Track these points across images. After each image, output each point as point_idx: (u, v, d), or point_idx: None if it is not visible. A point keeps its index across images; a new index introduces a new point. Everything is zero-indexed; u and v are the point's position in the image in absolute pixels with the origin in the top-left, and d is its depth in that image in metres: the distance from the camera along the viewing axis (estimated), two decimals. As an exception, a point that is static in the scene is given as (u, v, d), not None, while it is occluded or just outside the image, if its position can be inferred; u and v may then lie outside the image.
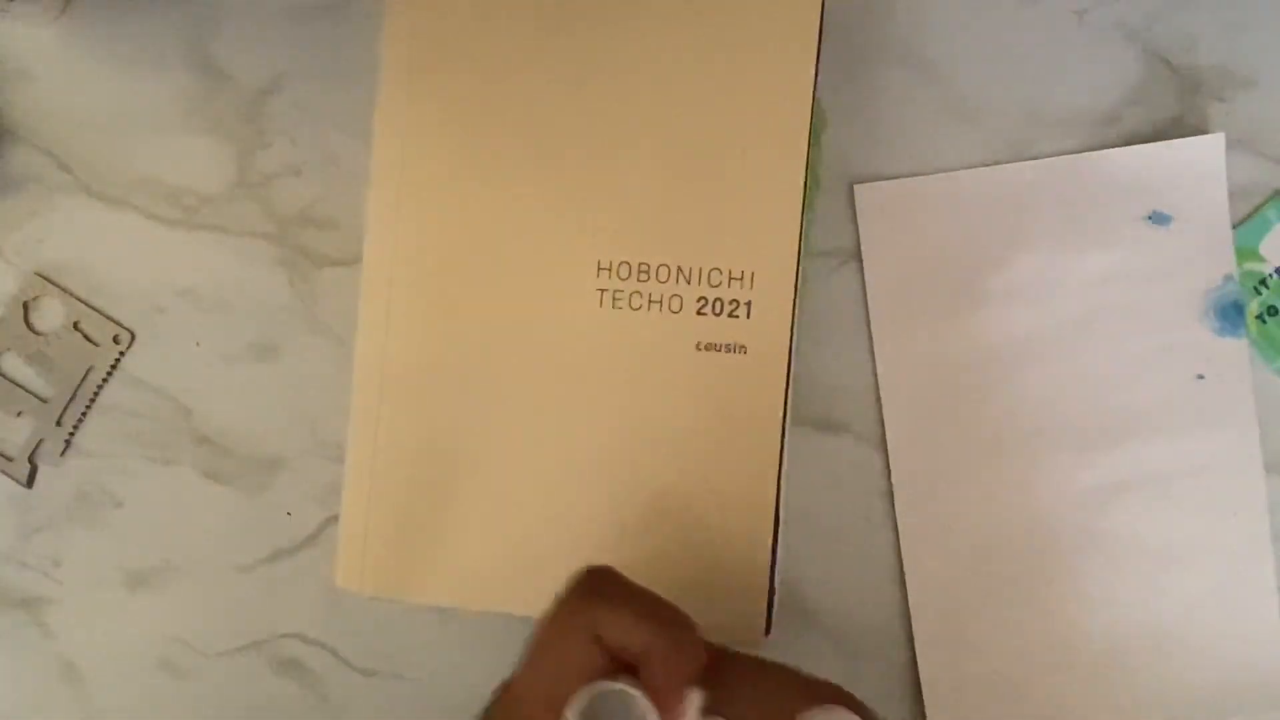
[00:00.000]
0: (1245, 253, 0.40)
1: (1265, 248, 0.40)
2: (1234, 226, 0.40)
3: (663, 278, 0.37)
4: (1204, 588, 0.40)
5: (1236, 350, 0.40)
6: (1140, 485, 0.40)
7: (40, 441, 0.43)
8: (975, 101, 0.40)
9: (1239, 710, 0.40)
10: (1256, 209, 0.40)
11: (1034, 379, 0.40)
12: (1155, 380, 0.40)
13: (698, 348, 0.37)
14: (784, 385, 0.37)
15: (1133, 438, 0.40)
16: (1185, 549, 0.40)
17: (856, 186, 0.40)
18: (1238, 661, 0.40)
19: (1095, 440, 0.40)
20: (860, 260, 0.41)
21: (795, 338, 0.37)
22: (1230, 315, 0.39)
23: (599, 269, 0.38)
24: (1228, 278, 0.39)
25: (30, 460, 0.43)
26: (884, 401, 0.41)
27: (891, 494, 0.41)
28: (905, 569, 0.40)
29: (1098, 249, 0.40)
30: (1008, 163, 0.40)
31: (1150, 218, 0.39)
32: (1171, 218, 0.39)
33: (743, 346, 0.37)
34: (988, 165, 0.40)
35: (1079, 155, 0.40)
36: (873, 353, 0.41)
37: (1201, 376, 0.40)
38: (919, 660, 0.40)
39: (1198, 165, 0.39)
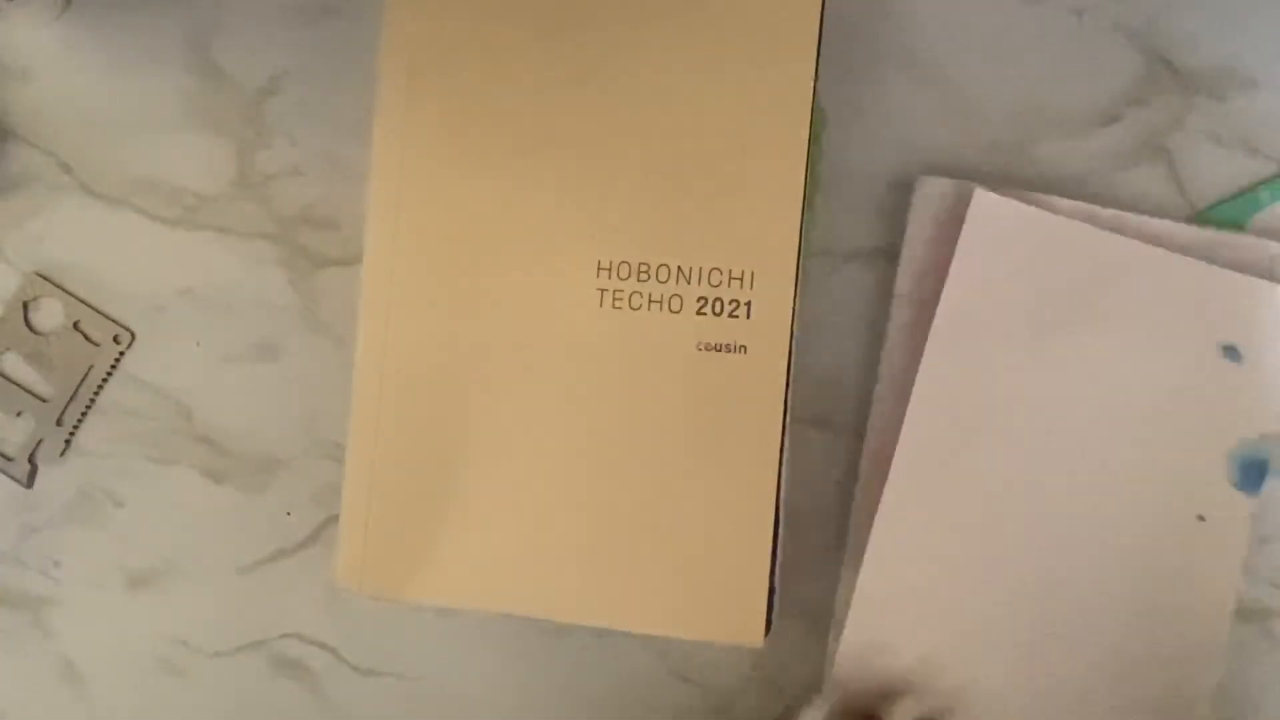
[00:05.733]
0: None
1: (1254, 228, 0.40)
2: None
3: (663, 278, 0.37)
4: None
5: (1244, 507, 0.39)
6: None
7: (40, 441, 0.43)
8: (975, 101, 0.40)
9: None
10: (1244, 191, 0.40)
11: (1050, 457, 0.39)
12: (1158, 501, 0.39)
13: (698, 348, 0.37)
14: (784, 385, 0.37)
15: (1115, 552, 0.39)
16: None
17: (923, 179, 0.39)
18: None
19: (1084, 536, 0.39)
20: (860, 260, 0.41)
21: (795, 338, 0.37)
22: (1252, 473, 0.39)
23: (599, 269, 0.38)
24: (1265, 435, 0.39)
25: (30, 460, 0.43)
26: (908, 418, 0.39)
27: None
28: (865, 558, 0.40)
29: (1166, 361, 0.39)
30: (1106, 229, 0.39)
31: (1224, 350, 0.38)
32: (1243, 357, 0.38)
33: (743, 346, 0.37)
34: (1085, 202, 0.39)
35: (1180, 256, 0.38)
36: (873, 353, 0.41)
37: (1203, 519, 0.39)
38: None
39: None
